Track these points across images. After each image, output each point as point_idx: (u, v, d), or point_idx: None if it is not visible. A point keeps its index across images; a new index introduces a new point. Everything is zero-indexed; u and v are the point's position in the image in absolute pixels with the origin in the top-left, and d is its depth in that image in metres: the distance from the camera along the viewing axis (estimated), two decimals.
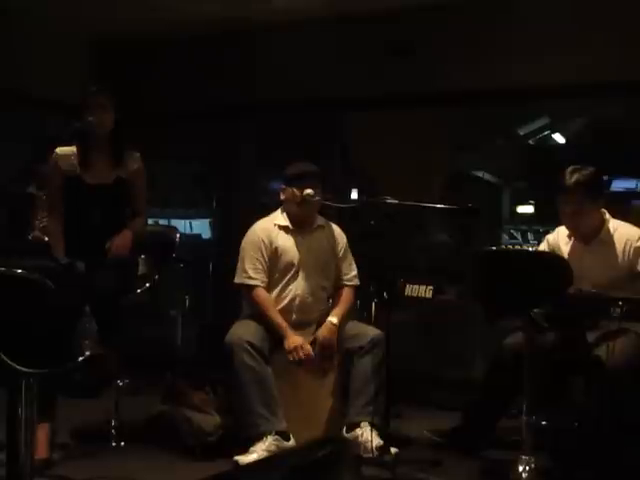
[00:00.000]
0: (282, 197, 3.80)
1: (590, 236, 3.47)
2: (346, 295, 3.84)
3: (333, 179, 5.46)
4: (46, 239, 4.02)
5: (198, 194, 6.55)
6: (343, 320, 3.73)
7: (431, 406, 4.41)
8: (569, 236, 3.54)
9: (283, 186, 3.79)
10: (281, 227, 3.80)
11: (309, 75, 5.25)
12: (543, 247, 3.66)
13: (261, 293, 3.69)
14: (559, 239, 3.60)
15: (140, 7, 5.10)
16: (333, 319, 3.69)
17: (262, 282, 3.70)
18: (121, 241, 3.61)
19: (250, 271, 3.70)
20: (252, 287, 3.69)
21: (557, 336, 3.33)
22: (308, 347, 3.58)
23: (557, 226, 3.63)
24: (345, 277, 3.89)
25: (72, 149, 3.69)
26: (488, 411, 3.61)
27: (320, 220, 3.89)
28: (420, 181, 4.93)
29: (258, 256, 3.71)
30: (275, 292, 3.73)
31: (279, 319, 3.63)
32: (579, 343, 3.34)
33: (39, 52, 5.44)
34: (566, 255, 3.49)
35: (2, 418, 2.54)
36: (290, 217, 3.81)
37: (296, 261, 3.75)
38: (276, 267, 3.74)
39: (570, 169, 3.41)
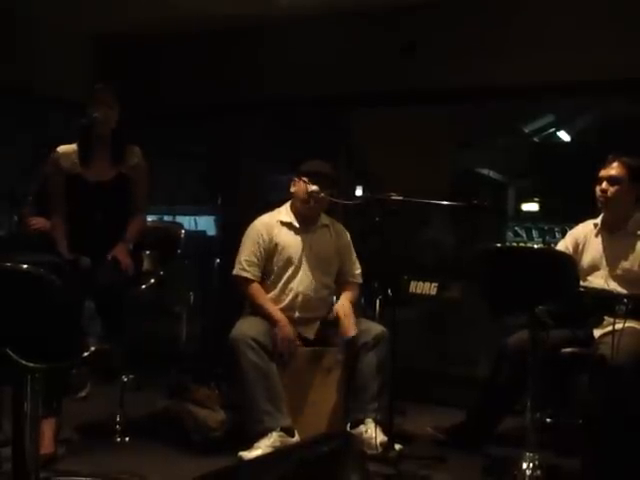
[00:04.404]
0: (292, 189, 3.81)
1: (617, 225, 3.48)
2: (350, 291, 3.86)
3: (338, 176, 5.45)
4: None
5: (203, 191, 6.56)
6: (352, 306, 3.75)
7: (435, 403, 4.42)
8: (595, 224, 3.55)
9: (295, 179, 3.80)
10: (284, 223, 3.80)
11: (313, 73, 5.23)
12: (563, 245, 3.63)
13: (254, 285, 3.71)
14: (583, 231, 3.59)
15: (144, 4, 5.10)
16: (345, 301, 3.73)
17: (254, 276, 3.72)
18: (124, 259, 3.60)
19: (244, 263, 3.72)
20: (245, 279, 3.71)
21: (561, 333, 3.33)
22: (296, 344, 3.60)
23: (563, 224, 3.63)
24: (349, 275, 3.90)
25: (73, 147, 3.69)
26: (492, 409, 3.61)
27: (325, 219, 3.89)
28: (425, 178, 4.92)
29: (255, 250, 3.73)
30: (277, 289, 3.75)
31: (272, 308, 3.65)
32: (583, 340, 3.34)
33: (42, 49, 5.43)
34: (589, 243, 3.51)
35: (8, 413, 2.55)
36: (295, 213, 3.81)
37: (296, 257, 3.75)
38: (275, 263, 3.75)
39: (615, 153, 3.45)
